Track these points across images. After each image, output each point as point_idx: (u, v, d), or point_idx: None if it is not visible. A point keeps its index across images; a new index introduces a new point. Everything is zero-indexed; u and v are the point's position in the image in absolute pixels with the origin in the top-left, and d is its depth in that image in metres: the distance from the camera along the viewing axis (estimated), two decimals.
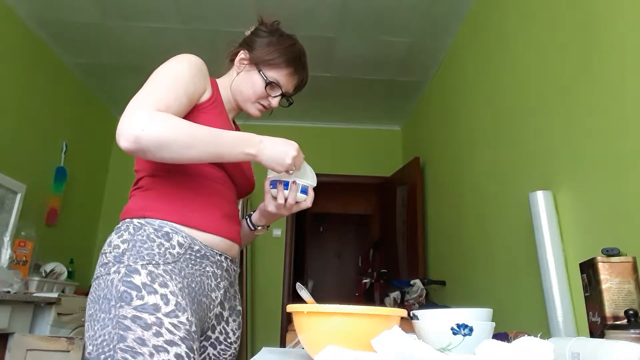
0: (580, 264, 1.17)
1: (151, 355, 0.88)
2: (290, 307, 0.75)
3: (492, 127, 2.43)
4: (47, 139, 3.50)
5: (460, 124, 2.97)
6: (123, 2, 2.97)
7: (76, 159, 3.83)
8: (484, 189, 2.50)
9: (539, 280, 1.68)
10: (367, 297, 5.31)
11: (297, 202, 1.09)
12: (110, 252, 0.98)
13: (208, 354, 1.11)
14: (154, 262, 0.95)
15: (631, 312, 0.82)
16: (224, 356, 1.14)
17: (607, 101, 1.47)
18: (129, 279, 0.93)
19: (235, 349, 1.17)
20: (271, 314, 4.27)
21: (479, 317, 0.77)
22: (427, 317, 0.80)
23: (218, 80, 1.21)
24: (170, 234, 0.99)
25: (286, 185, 1.07)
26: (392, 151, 4.72)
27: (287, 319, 4.11)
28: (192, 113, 1.05)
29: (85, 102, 4.08)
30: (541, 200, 1.70)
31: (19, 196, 3.06)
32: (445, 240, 3.18)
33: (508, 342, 0.60)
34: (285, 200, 1.07)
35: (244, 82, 1.18)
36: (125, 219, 1.03)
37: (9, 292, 2.42)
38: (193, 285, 1.00)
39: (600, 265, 1.07)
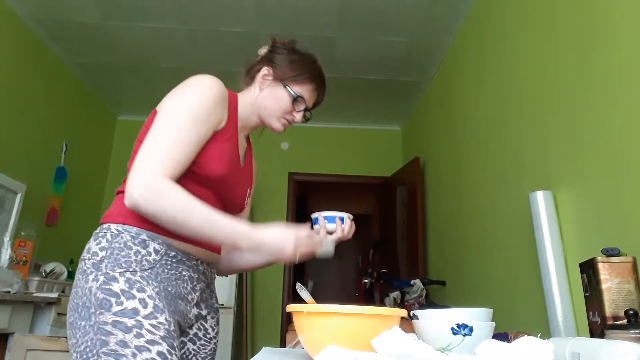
0: (580, 264, 1.17)
1: (134, 355, 0.91)
2: (290, 307, 0.75)
3: (492, 127, 2.43)
4: (47, 139, 3.50)
5: (460, 124, 2.97)
6: (123, 2, 2.97)
7: (76, 159, 3.83)
8: (484, 189, 2.50)
9: (539, 280, 1.68)
10: (367, 297, 5.31)
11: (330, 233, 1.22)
12: (88, 259, 1.01)
13: (188, 348, 1.15)
14: (131, 270, 0.98)
15: (631, 312, 0.82)
16: (204, 351, 1.18)
17: (606, 100, 1.47)
18: (107, 287, 0.96)
19: (215, 343, 1.22)
20: (271, 314, 4.27)
21: (479, 317, 0.77)
22: (427, 317, 0.80)
23: (239, 96, 1.22)
24: (147, 241, 1.02)
25: (331, 219, 1.22)
26: (392, 151, 4.71)
27: (287, 319, 4.11)
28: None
29: (85, 102, 4.07)
30: (541, 200, 1.70)
31: (19, 196, 3.06)
32: (445, 240, 3.18)
33: (508, 342, 0.60)
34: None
35: (268, 98, 1.20)
36: (104, 223, 1.05)
37: (9, 292, 2.42)
38: (169, 289, 1.03)
39: (600, 265, 1.07)
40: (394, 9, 2.96)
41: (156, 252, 1.02)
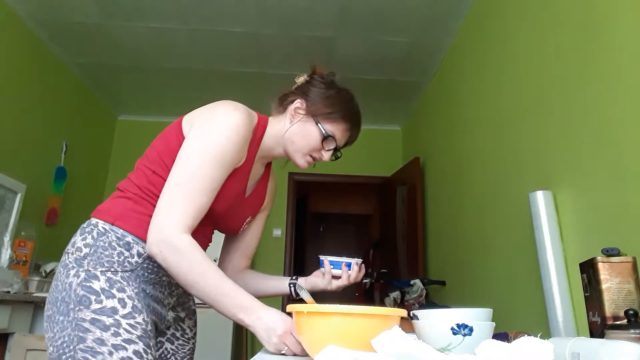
0: (580, 264, 1.17)
1: (110, 353, 0.92)
2: (290, 307, 0.75)
3: (492, 127, 2.43)
4: (47, 139, 3.50)
5: (460, 123, 2.97)
6: (123, 2, 2.97)
7: (76, 159, 3.83)
8: (484, 189, 2.49)
9: (539, 280, 1.68)
10: (367, 297, 5.30)
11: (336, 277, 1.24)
12: (72, 254, 1.01)
13: (166, 348, 1.17)
14: (112, 270, 0.99)
15: (631, 312, 0.82)
16: (183, 350, 1.20)
17: (606, 100, 1.48)
18: (88, 284, 0.97)
19: (193, 343, 1.24)
20: None
21: (479, 317, 0.77)
22: (427, 317, 0.80)
23: (270, 123, 1.17)
24: (132, 244, 1.02)
25: (337, 264, 1.24)
26: (392, 151, 4.71)
27: None
28: None
29: (85, 102, 4.07)
30: (541, 200, 1.70)
31: (19, 196, 3.06)
32: (445, 240, 3.18)
33: (508, 342, 0.60)
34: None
35: (297, 133, 1.14)
36: (93, 218, 1.05)
37: (9, 292, 2.42)
38: (147, 291, 1.05)
39: (600, 265, 1.07)
40: (394, 9, 2.96)
41: (139, 255, 1.02)
